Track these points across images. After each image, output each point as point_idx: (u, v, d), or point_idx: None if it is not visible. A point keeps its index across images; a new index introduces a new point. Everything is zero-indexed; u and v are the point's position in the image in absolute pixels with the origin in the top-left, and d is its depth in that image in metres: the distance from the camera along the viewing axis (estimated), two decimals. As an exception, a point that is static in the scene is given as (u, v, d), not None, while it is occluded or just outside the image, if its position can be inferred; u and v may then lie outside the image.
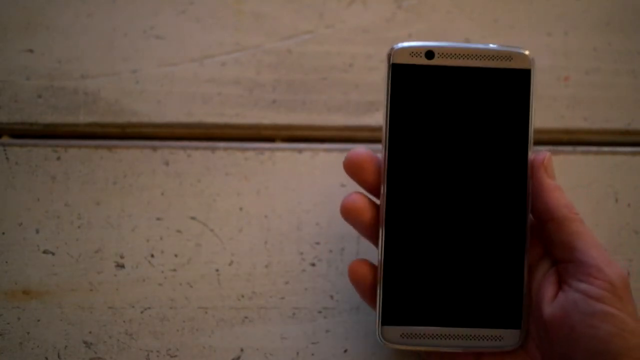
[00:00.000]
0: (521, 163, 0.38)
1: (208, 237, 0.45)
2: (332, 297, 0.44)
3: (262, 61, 0.48)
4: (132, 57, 0.48)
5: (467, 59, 0.38)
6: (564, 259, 0.37)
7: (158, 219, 0.45)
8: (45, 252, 0.45)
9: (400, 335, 0.38)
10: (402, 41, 0.48)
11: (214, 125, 0.47)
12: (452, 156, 0.38)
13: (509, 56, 0.38)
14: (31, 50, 0.48)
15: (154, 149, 0.47)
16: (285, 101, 0.48)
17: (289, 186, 0.46)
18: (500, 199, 0.38)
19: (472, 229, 0.38)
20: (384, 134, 0.39)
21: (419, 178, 0.38)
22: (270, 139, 0.48)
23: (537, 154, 0.38)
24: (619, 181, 0.46)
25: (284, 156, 0.47)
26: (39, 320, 0.43)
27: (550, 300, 0.37)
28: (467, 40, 0.49)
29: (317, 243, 0.45)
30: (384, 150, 0.38)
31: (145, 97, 0.48)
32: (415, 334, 0.38)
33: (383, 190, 0.38)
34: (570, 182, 0.46)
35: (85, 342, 0.43)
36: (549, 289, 0.37)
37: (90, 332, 0.43)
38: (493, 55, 0.38)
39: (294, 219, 0.45)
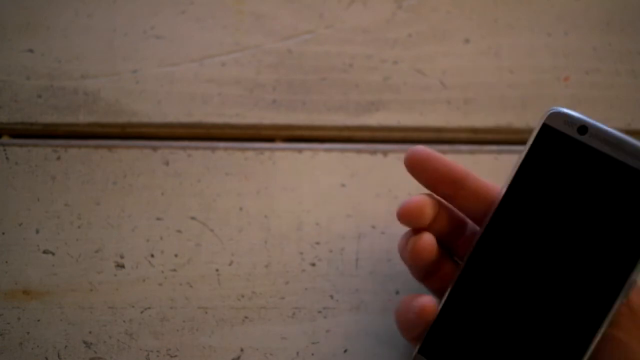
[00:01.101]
0: (622, 274, 0.35)
1: (208, 237, 0.45)
2: (332, 297, 0.44)
3: (262, 61, 0.48)
4: (132, 57, 0.48)
5: (619, 150, 0.35)
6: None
7: (158, 219, 0.45)
8: (45, 252, 0.45)
9: None
10: (402, 41, 0.49)
11: (214, 125, 0.47)
12: (555, 234, 0.36)
13: None
14: (31, 50, 0.48)
15: (154, 149, 0.47)
16: (285, 101, 0.48)
17: (289, 186, 0.46)
18: (584, 295, 0.35)
19: (545, 308, 0.36)
20: (507, 183, 0.37)
21: (517, 239, 0.36)
22: (270, 139, 0.48)
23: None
24: (619, 181, 0.46)
25: (284, 156, 0.47)
26: (39, 320, 0.43)
27: None
28: (467, 41, 0.49)
29: (317, 243, 0.45)
30: (503, 194, 0.37)
31: (145, 97, 0.48)
32: None
33: (480, 232, 0.37)
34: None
35: (85, 342, 0.43)
36: None
37: (90, 332, 0.43)
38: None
39: (294, 219, 0.45)
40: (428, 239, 0.37)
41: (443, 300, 0.37)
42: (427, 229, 0.38)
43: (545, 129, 0.36)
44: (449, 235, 0.39)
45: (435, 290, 0.40)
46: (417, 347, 0.37)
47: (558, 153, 0.36)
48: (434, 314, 0.36)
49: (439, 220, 0.38)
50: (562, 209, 0.36)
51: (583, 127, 0.36)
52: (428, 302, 0.36)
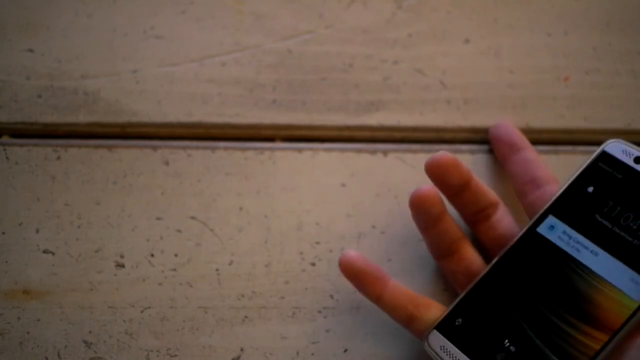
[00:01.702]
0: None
1: (208, 236, 0.45)
2: (332, 296, 0.44)
3: (262, 61, 0.48)
4: (132, 57, 0.48)
5: None
6: None
7: (158, 218, 0.45)
8: (45, 251, 0.45)
9: (440, 347, 0.38)
10: (402, 41, 0.49)
11: (214, 125, 0.47)
12: (596, 238, 0.38)
13: None
14: (31, 50, 0.48)
15: (154, 148, 0.47)
16: (285, 101, 0.48)
17: (289, 186, 0.46)
18: (608, 301, 0.37)
19: (566, 310, 0.37)
20: (564, 187, 0.40)
21: (555, 245, 0.39)
22: (270, 139, 0.48)
23: None
24: (619, 181, 0.46)
25: (284, 156, 0.47)
26: (39, 320, 0.43)
27: None
28: (467, 41, 0.49)
29: (317, 243, 0.45)
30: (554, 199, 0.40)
31: (145, 97, 0.48)
32: (451, 355, 0.37)
33: (526, 229, 0.39)
34: (570, 182, 0.46)
35: (85, 342, 0.43)
36: None
37: (90, 332, 0.43)
38: None
39: (294, 218, 0.45)
40: (429, 187, 0.39)
41: (470, 286, 0.38)
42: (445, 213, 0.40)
43: (604, 155, 0.40)
44: (473, 216, 0.41)
45: (450, 272, 0.41)
46: (435, 323, 0.38)
47: (613, 176, 0.39)
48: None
49: (463, 198, 0.41)
50: (596, 231, 0.38)
51: (638, 158, 0.39)
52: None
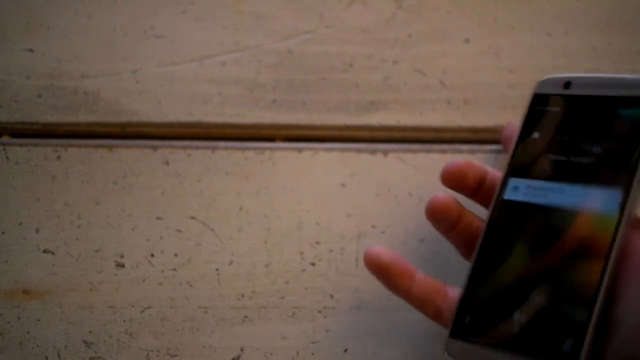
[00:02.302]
0: (621, 194, 0.36)
1: (208, 236, 0.45)
2: (332, 296, 0.44)
3: (262, 61, 0.48)
4: (132, 57, 0.48)
5: (599, 88, 0.38)
6: None
7: (158, 218, 0.45)
8: (45, 251, 0.45)
9: (461, 350, 0.37)
10: (402, 41, 0.49)
11: (214, 125, 0.47)
12: (558, 177, 0.37)
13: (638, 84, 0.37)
14: (31, 50, 0.48)
15: (154, 148, 0.47)
16: (285, 101, 0.48)
17: (289, 186, 0.46)
18: (590, 228, 0.36)
19: (556, 255, 0.36)
20: (512, 147, 0.39)
21: (522, 200, 0.38)
22: (270, 139, 0.48)
23: None
24: (619, 181, 0.46)
25: (284, 156, 0.47)
26: (39, 320, 0.43)
27: None
28: (467, 41, 0.49)
29: (317, 243, 0.45)
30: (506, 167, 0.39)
31: (145, 97, 0.48)
32: (475, 353, 0.36)
33: (493, 202, 0.39)
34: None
35: (85, 342, 0.43)
36: None
37: (90, 332, 0.43)
38: (624, 84, 0.37)
39: (294, 218, 0.45)
40: (443, 196, 0.39)
41: (465, 283, 0.38)
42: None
43: (536, 98, 0.39)
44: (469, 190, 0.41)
45: (459, 243, 0.40)
46: (449, 332, 0.37)
47: (551, 112, 0.39)
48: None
49: (482, 191, 0.40)
50: (561, 155, 0.38)
51: (567, 83, 0.38)
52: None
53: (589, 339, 0.34)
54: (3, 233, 0.45)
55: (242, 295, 0.44)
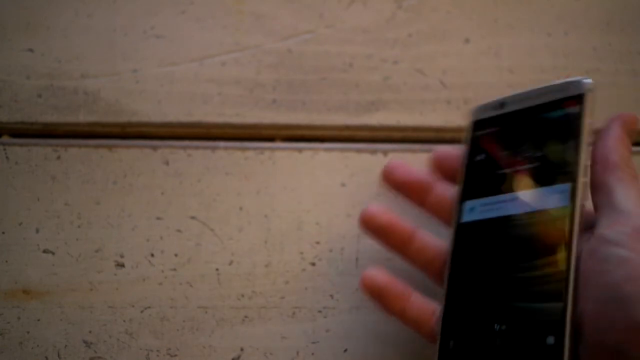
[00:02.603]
0: (569, 186, 0.37)
1: (208, 236, 0.45)
2: (332, 296, 0.44)
3: (262, 61, 0.48)
4: (132, 57, 0.48)
5: (530, 100, 0.39)
6: (600, 204, 0.35)
7: (158, 218, 0.45)
8: (45, 251, 0.45)
9: None
10: (403, 42, 0.49)
11: (214, 125, 0.47)
12: (508, 189, 0.39)
13: (565, 87, 0.38)
14: (31, 50, 0.48)
15: (154, 148, 0.47)
16: (285, 101, 0.48)
17: (289, 186, 0.46)
18: (546, 226, 0.36)
19: (522, 261, 0.37)
20: (461, 174, 0.41)
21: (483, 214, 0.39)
22: (270, 139, 0.48)
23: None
24: (619, 181, 0.46)
25: (284, 156, 0.47)
26: (39, 320, 0.43)
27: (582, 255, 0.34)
28: (467, 40, 0.49)
29: (317, 243, 0.45)
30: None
31: (146, 97, 0.48)
32: None
33: (453, 228, 0.39)
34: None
35: (85, 342, 0.43)
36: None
37: (90, 332, 0.43)
38: (551, 91, 0.39)
39: (294, 218, 0.45)
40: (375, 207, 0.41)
41: (441, 310, 0.38)
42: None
43: (476, 124, 0.41)
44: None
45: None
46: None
47: (491, 133, 0.40)
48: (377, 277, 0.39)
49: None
50: (510, 170, 0.39)
51: (502, 104, 0.41)
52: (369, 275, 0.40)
53: (570, 330, 0.34)
54: (3, 233, 0.45)
55: (242, 295, 0.44)
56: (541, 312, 0.35)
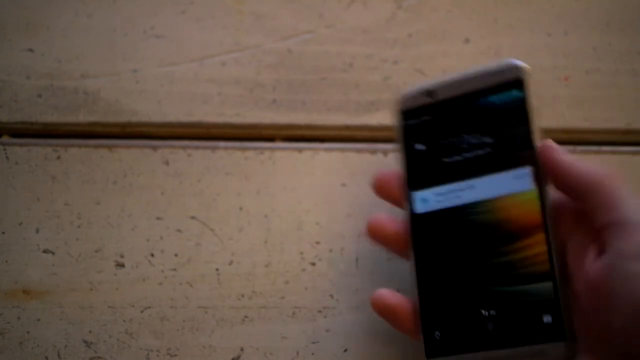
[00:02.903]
0: (530, 169, 0.37)
1: (208, 236, 0.45)
2: (332, 296, 0.44)
3: (262, 61, 0.48)
4: (132, 57, 0.48)
5: (463, 86, 0.39)
6: (603, 223, 0.34)
7: (158, 218, 0.45)
8: (45, 251, 0.45)
9: None
10: (403, 42, 0.49)
11: (214, 125, 0.47)
12: (460, 176, 0.39)
13: (500, 71, 0.39)
14: (31, 50, 0.48)
15: (154, 148, 0.47)
16: (285, 101, 0.48)
17: (289, 186, 0.46)
18: (515, 210, 0.37)
19: (495, 246, 0.37)
20: (401, 163, 0.40)
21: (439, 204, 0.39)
22: (270, 139, 0.48)
23: (541, 143, 0.37)
24: (619, 181, 0.46)
25: (284, 156, 0.47)
26: (39, 320, 0.43)
27: (590, 270, 0.34)
28: (467, 40, 0.49)
29: (317, 242, 0.45)
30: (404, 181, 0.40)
31: (146, 97, 0.48)
32: None
33: (407, 220, 0.39)
34: (570, 182, 0.46)
35: (85, 342, 0.43)
36: (587, 259, 0.35)
37: (90, 332, 0.43)
38: (485, 75, 0.39)
39: (294, 218, 0.45)
40: (378, 215, 0.40)
41: (417, 302, 0.38)
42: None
43: (404, 114, 0.41)
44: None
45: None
46: (424, 355, 0.38)
47: (425, 122, 0.40)
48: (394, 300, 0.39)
49: None
50: (455, 156, 0.39)
51: (429, 92, 0.40)
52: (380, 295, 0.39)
53: (565, 307, 0.35)
54: (3, 233, 0.45)
55: (242, 295, 0.44)
56: (530, 293, 0.36)
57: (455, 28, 0.49)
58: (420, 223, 0.39)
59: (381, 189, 0.41)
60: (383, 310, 0.39)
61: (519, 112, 0.38)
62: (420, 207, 0.39)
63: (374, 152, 0.47)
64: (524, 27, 0.49)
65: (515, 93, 0.38)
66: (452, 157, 0.39)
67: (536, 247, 0.36)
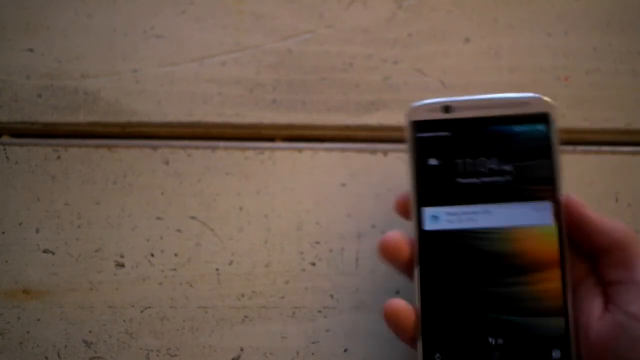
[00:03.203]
0: (550, 205, 0.37)
1: (208, 236, 0.45)
2: (332, 296, 0.44)
3: (262, 61, 0.48)
4: (132, 57, 0.48)
5: (484, 109, 0.39)
6: (617, 280, 0.36)
7: (158, 218, 0.45)
8: (45, 251, 0.45)
9: None
10: (403, 42, 0.49)
11: (214, 125, 0.47)
12: (476, 199, 0.38)
13: (525, 102, 0.38)
14: (31, 50, 0.48)
15: (154, 148, 0.47)
16: (285, 101, 0.48)
17: (289, 186, 0.46)
18: (532, 242, 0.37)
19: (508, 275, 0.37)
20: (411, 176, 0.39)
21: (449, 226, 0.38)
22: (270, 139, 0.48)
23: (567, 194, 0.38)
24: (619, 181, 0.46)
25: (284, 156, 0.47)
26: (39, 320, 0.43)
27: (596, 322, 0.36)
28: (467, 40, 0.49)
29: (317, 243, 0.45)
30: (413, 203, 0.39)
31: (145, 97, 0.48)
32: None
33: (415, 236, 0.38)
34: (570, 182, 0.46)
35: (85, 342, 0.43)
36: (594, 309, 0.36)
37: (90, 332, 0.43)
38: (509, 104, 0.38)
39: (294, 218, 0.45)
40: (395, 234, 0.38)
41: (418, 320, 0.37)
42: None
43: (414, 125, 0.39)
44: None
45: None
46: None
47: (439, 137, 0.39)
48: (405, 310, 0.37)
49: None
50: (470, 180, 0.38)
51: (446, 107, 0.39)
52: (392, 304, 0.38)
53: (574, 344, 0.35)
54: (3, 233, 0.45)
55: (242, 295, 0.44)
56: (541, 326, 0.36)
57: (455, 28, 0.49)
58: (428, 240, 0.38)
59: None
60: (392, 320, 0.38)
61: (544, 146, 0.38)
62: (429, 225, 0.38)
63: (374, 152, 0.47)
64: (524, 27, 0.49)
65: (540, 127, 0.38)
66: (469, 179, 0.38)
67: (551, 282, 0.36)
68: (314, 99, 0.48)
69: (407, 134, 0.39)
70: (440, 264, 0.38)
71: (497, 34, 0.49)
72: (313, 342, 0.43)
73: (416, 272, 0.38)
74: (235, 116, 0.47)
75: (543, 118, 0.38)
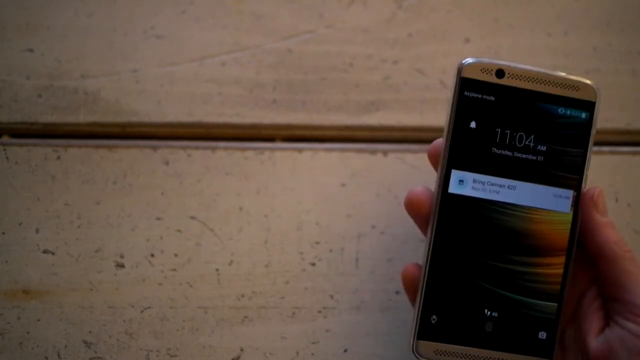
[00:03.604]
0: (572, 194, 0.38)
1: (208, 236, 0.45)
2: (332, 296, 0.44)
3: (262, 61, 0.48)
4: (132, 57, 0.48)
5: (535, 82, 0.38)
6: (613, 297, 0.37)
7: (158, 218, 0.45)
8: (45, 251, 0.45)
9: (434, 352, 0.37)
10: (403, 42, 0.49)
11: (214, 125, 0.47)
12: (505, 172, 0.38)
13: (576, 86, 0.38)
14: (31, 50, 0.48)
15: (154, 148, 0.47)
16: (285, 101, 0.48)
17: (289, 186, 0.46)
18: (547, 226, 0.38)
19: (517, 253, 0.37)
20: (447, 135, 0.38)
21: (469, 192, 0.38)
22: (270, 139, 0.48)
23: (588, 189, 0.38)
24: (619, 181, 0.46)
25: (283, 156, 0.47)
26: (39, 320, 0.43)
27: (596, 335, 0.37)
28: (467, 40, 0.49)
29: (317, 243, 0.45)
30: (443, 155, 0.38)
31: (145, 97, 0.48)
32: (449, 352, 0.37)
33: (438, 195, 0.38)
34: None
35: (85, 342, 0.43)
36: (594, 322, 0.37)
37: (90, 332, 0.43)
38: (560, 83, 0.38)
39: (294, 218, 0.45)
40: (420, 189, 0.38)
41: (422, 282, 0.37)
42: None
43: (464, 82, 0.38)
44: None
45: None
46: (414, 334, 0.37)
47: (486, 101, 0.38)
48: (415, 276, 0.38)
49: None
50: (503, 151, 0.38)
51: (500, 71, 0.38)
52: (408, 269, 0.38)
53: (560, 328, 0.38)
54: (3, 233, 0.45)
55: (242, 295, 0.44)
56: (535, 307, 0.37)
57: (455, 28, 0.49)
58: (449, 203, 0.38)
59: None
60: (411, 287, 0.38)
61: (582, 134, 0.38)
62: (454, 188, 0.38)
63: (373, 152, 0.47)
64: (524, 27, 0.49)
65: (584, 115, 0.38)
66: (504, 150, 0.38)
67: (554, 268, 0.37)
68: (314, 99, 0.48)
69: (452, 90, 0.38)
70: (454, 229, 0.38)
71: (497, 34, 0.49)
72: (313, 343, 0.43)
73: (429, 232, 0.38)
74: (235, 116, 0.47)
75: (589, 106, 0.38)
